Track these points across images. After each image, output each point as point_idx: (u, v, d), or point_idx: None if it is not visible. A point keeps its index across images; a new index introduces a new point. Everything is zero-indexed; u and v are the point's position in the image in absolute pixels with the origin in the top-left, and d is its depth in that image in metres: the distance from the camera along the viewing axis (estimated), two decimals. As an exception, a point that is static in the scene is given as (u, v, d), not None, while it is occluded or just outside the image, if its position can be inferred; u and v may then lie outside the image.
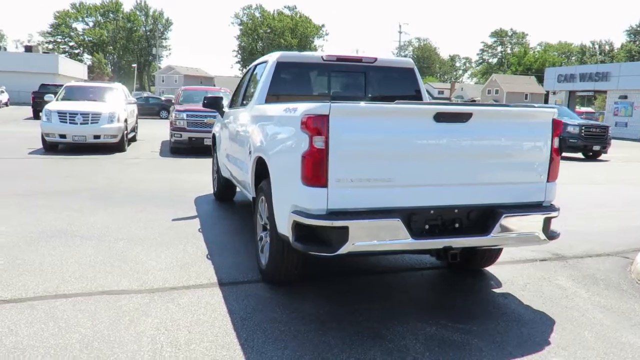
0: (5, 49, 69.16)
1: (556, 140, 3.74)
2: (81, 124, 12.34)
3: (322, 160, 3.22)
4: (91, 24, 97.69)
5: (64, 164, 10.60)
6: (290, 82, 5.24)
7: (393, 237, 3.33)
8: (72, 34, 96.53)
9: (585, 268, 4.87)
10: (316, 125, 3.20)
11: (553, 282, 4.43)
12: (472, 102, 38.88)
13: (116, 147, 12.91)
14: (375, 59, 5.32)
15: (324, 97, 5.37)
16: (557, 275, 4.64)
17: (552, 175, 3.77)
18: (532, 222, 3.67)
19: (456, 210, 3.54)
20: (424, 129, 3.38)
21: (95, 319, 3.38)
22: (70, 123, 12.29)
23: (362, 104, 3.43)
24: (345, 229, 3.22)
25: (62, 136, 12.27)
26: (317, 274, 4.42)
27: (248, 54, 75.72)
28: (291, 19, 75.35)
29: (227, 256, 4.81)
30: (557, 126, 3.72)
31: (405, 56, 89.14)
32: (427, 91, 6.31)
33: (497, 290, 4.23)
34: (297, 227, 3.34)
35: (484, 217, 3.58)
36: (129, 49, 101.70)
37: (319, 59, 5.24)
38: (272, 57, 5.22)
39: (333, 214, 3.27)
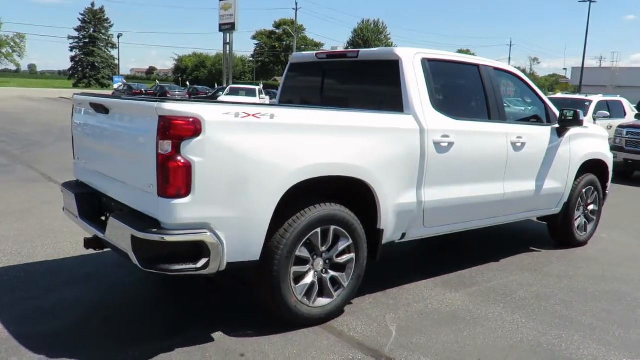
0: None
1: (166, 144, 2.78)
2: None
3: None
4: None
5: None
6: (299, 83, 5.28)
7: (74, 211, 3.76)
8: None
9: None
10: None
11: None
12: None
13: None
14: (358, 53, 4.60)
15: (315, 98, 5.07)
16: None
17: (166, 188, 2.82)
18: (123, 235, 3.03)
19: (113, 204, 3.50)
20: (92, 119, 3.70)
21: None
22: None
23: (81, 96, 3.96)
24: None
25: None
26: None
27: None
28: None
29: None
30: (171, 126, 2.77)
31: None
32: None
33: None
34: None
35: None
36: None
37: (314, 57, 4.98)
38: None
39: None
